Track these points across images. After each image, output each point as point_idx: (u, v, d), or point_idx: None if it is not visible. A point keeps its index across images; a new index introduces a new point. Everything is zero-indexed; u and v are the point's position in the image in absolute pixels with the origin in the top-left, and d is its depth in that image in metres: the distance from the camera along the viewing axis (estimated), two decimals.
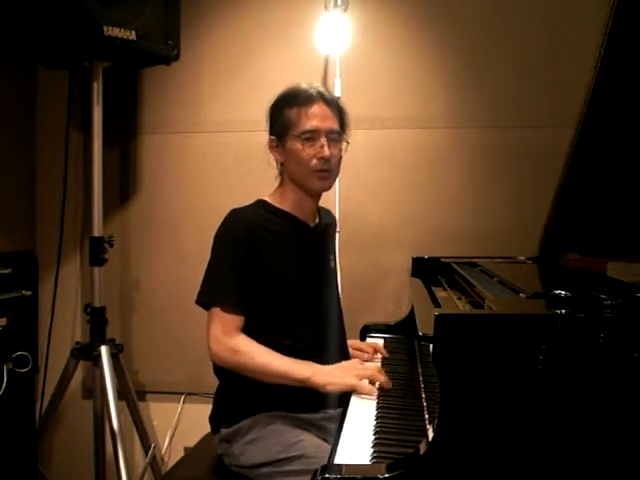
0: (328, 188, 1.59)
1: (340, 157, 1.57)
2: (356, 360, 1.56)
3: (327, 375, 1.41)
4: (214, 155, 2.37)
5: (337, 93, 2.23)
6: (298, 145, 1.51)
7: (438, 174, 2.26)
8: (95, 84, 2.08)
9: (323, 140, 1.51)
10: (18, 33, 2.30)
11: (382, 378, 1.42)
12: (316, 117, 1.51)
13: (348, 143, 1.59)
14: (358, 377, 1.41)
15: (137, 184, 2.44)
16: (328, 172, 1.53)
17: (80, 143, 2.43)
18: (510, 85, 2.20)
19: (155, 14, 2.00)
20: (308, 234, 1.61)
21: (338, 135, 1.55)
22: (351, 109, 2.24)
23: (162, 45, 2.04)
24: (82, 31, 1.89)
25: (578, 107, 1.55)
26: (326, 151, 1.50)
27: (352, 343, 1.75)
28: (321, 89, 1.56)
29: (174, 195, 2.40)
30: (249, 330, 1.47)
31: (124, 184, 2.44)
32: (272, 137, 1.58)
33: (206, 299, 1.49)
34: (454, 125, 2.24)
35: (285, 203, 1.58)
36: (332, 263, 1.70)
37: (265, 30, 2.32)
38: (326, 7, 2.19)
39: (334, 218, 1.83)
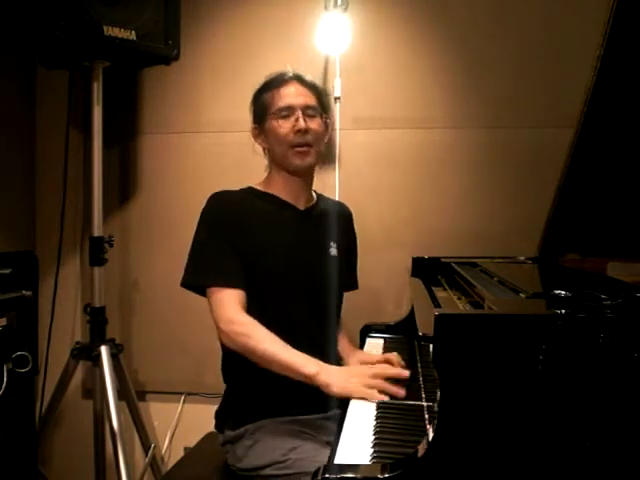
0: (309, 165, 1.58)
1: (321, 133, 1.57)
2: (365, 367, 1.45)
3: (333, 376, 1.36)
4: (214, 155, 2.37)
5: (337, 93, 2.24)
6: (274, 123, 1.54)
7: (438, 174, 2.26)
8: (95, 84, 2.08)
9: (298, 113, 1.53)
10: (18, 33, 2.30)
11: (392, 389, 1.31)
12: (290, 95, 1.55)
13: (328, 119, 1.60)
14: (368, 386, 1.32)
15: (137, 184, 2.43)
16: (307, 147, 1.54)
17: (80, 143, 2.43)
18: (510, 85, 2.20)
19: (155, 14, 2.00)
20: (296, 216, 1.61)
21: (314, 111, 1.56)
22: (351, 109, 2.29)
23: (162, 45, 2.04)
24: (82, 31, 1.89)
25: (578, 107, 1.55)
26: (301, 123, 1.52)
27: (361, 358, 1.68)
28: (297, 72, 1.59)
29: (174, 195, 2.40)
30: None
31: (124, 184, 2.44)
32: (254, 125, 1.62)
33: (200, 281, 1.49)
34: (454, 125, 2.24)
35: (271, 187, 1.61)
36: (333, 250, 1.66)
37: (265, 30, 2.32)
38: (326, 7, 2.18)
39: (347, 211, 1.83)
